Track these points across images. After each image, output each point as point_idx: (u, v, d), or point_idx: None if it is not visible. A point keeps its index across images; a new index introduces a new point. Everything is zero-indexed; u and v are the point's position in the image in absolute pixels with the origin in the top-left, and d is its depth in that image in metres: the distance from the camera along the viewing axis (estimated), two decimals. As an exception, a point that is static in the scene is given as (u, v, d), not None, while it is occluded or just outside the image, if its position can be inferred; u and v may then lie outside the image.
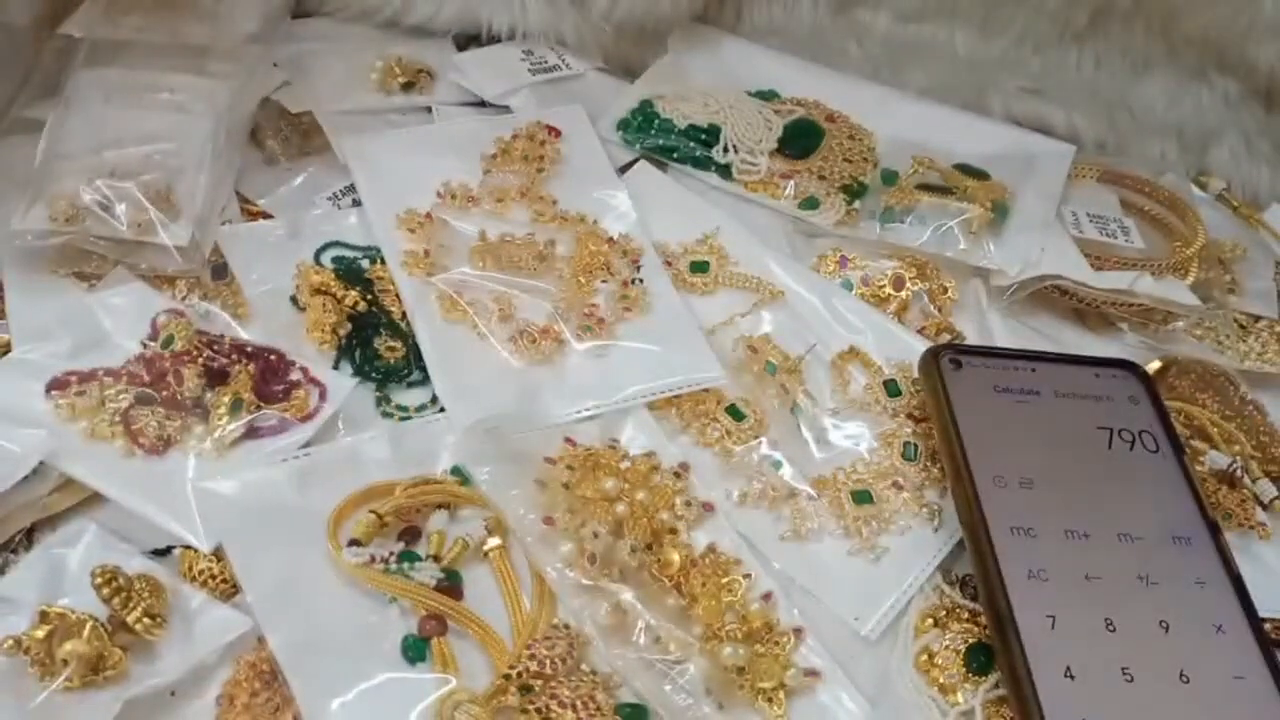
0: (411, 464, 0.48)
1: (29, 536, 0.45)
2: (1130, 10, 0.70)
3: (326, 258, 0.57)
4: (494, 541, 0.45)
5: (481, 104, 0.67)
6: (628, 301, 0.55)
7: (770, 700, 0.43)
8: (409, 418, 0.51)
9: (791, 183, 0.64)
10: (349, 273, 0.56)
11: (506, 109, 0.66)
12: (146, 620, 0.40)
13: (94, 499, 0.46)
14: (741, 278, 0.59)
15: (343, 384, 0.51)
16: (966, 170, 0.65)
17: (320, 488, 0.46)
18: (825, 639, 0.45)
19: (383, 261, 0.56)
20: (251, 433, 0.48)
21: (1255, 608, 0.44)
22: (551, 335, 0.53)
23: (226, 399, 0.48)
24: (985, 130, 0.70)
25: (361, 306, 0.54)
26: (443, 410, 0.51)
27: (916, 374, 0.53)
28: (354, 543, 0.44)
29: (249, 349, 0.51)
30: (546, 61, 0.70)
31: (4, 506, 0.45)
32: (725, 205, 0.63)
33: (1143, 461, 0.49)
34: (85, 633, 0.39)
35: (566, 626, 0.43)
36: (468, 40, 0.71)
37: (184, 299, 0.54)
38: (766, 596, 0.46)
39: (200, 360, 0.50)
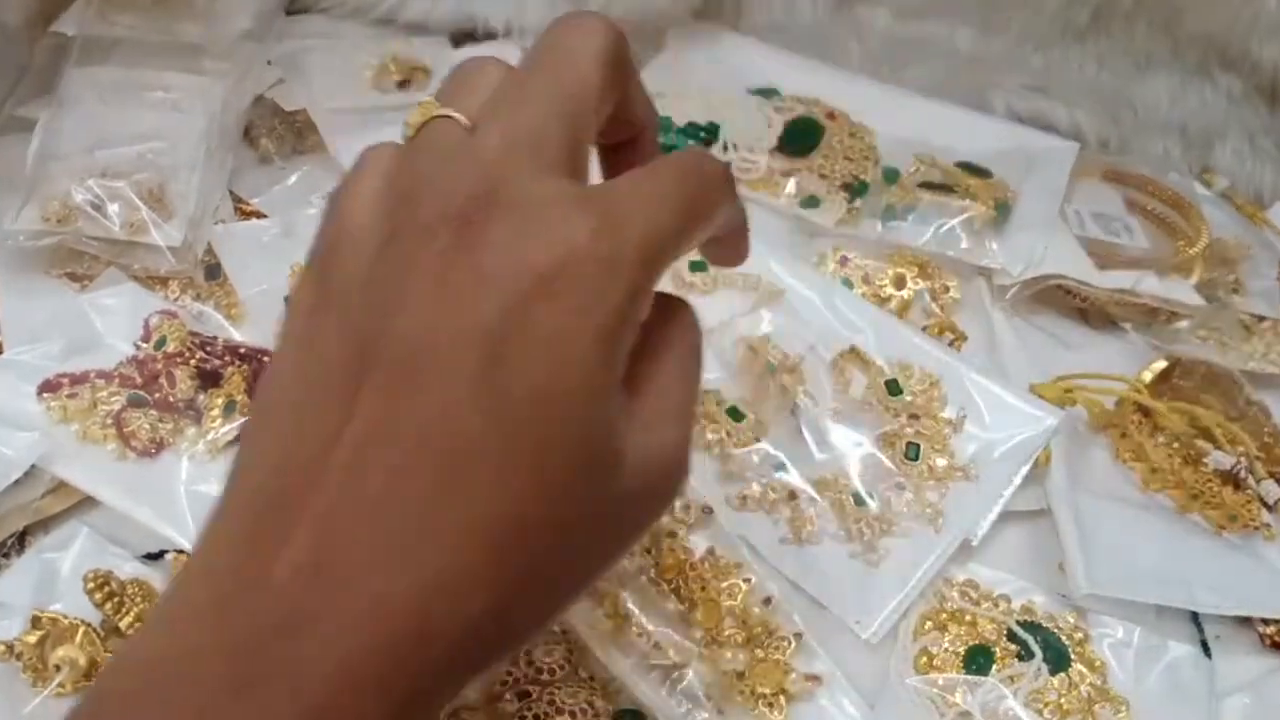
0: (408, 466, 0.47)
1: (21, 541, 0.44)
2: (1132, 8, 0.70)
3: (322, 258, 0.56)
4: (491, 545, 0.45)
5: (479, 102, 0.67)
6: (626, 301, 0.55)
7: (770, 705, 0.42)
8: (405, 419, 0.51)
9: (792, 181, 0.63)
10: (345, 273, 0.55)
11: (504, 107, 0.66)
12: (139, 625, 0.40)
13: (87, 502, 0.46)
14: (741, 277, 0.58)
15: (338, 385, 0.50)
16: (968, 168, 0.64)
17: (315, 491, 0.45)
18: (826, 643, 0.45)
19: (379, 261, 0.56)
20: (246, 435, 0.48)
21: None
22: (549, 336, 0.53)
23: (220, 401, 0.48)
24: (987, 128, 0.69)
25: (357, 307, 0.54)
26: (439, 412, 0.50)
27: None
28: (349, 546, 0.43)
29: (242, 350, 0.51)
30: (544, 59, 0.69)
31: (-4, 510, 0.44)
32: (724, 204, 0.62)
33: None
34: (78, 638, 0.39)
35: (564, 631, 0.42)
36: (463, 37, 0.71)
37: (177, 300, 0.53)
38: (767, 600, 0.45)
39: (193, 362, 0.49)
